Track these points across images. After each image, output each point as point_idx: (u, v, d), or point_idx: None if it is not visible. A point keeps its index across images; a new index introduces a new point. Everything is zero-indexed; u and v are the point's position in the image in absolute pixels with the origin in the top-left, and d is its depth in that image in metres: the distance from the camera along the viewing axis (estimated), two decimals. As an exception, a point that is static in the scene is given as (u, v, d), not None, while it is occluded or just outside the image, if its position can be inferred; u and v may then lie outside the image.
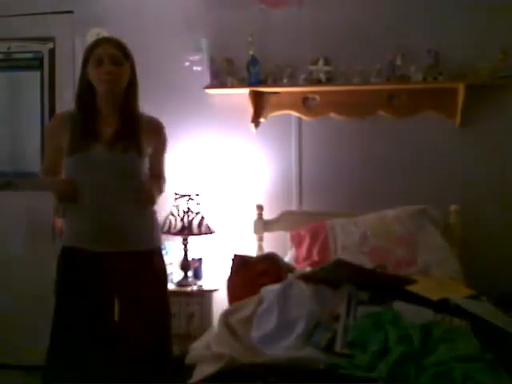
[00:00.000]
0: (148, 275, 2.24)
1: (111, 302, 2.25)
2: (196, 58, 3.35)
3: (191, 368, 1.81)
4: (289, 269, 2.52)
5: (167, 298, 2.35)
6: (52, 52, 3.49)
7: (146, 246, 2.25)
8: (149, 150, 2.27)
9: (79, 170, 2.18)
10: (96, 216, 2.17)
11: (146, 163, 2.28)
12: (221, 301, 2.88)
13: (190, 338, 2.67)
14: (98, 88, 2.17)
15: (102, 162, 2.15)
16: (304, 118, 3.30)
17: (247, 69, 3.18)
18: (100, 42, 2.20)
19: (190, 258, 3.22)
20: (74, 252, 2.21)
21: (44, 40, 3.49)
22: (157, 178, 2.34)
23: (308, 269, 2.55)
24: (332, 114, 3.27)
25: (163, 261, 2.35)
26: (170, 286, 2.93)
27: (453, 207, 3.06)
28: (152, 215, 2.31)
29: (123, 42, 2.22)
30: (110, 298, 2.24)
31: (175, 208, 3.14)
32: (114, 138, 2.17)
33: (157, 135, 2.30)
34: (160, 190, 2.35)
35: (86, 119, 2.18)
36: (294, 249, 3.09)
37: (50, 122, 2.33)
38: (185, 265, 3.19)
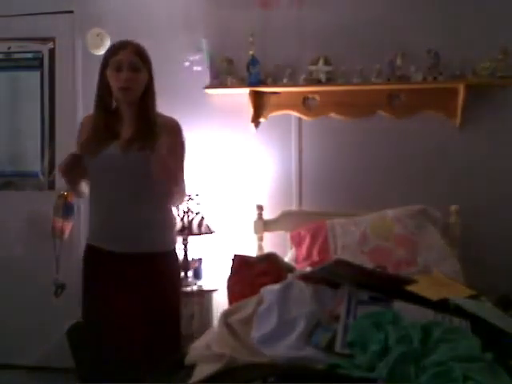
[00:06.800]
0: (160, 278, 2.25)
1: (124, 302, 2.24)
2: (196, 57, 3.36)
3: (191, 368, 1.81)
4: (289, 269, 2.52)
5: (179, 301, 2.36)
6: (52, 52, 3.50)
7: (160, 249, 2.26)
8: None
9: (97, 169, 2.21)
10: (110, 215, 2.21)
11: None
12: (221, 301, 2.88)
13: (190, 338, 2.66)
14: (117, 94, 2.20)
15: (115, 161, 2.17)
16: (304, 117, 3.30)
17: (247, 69, 3.18)
18: (120, 48, 2.20)
19: (189, 258, 3.22)
20: (93, 250, 2.27)
21: (44, 40, 3.50)
22: None
23: (308, 269, 2.55)
24: (332, 114, 3.28)
25: (177, 263, 2.37)
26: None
27: (453, 207, 3.06)
28: (168, 216, 2.32)
29: (142, 47, 2.24)
30: (123, 298, 2.23)
31: (175, 208, 3.14)
32: (130, 138, 2.19)
33: (169, 132, 2.25)
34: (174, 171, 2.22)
35: (104, 120, 2.22)
36: (294, 249, 3.09)
37: (80, 127, 2.37)
38: (185, 265, 3.19)
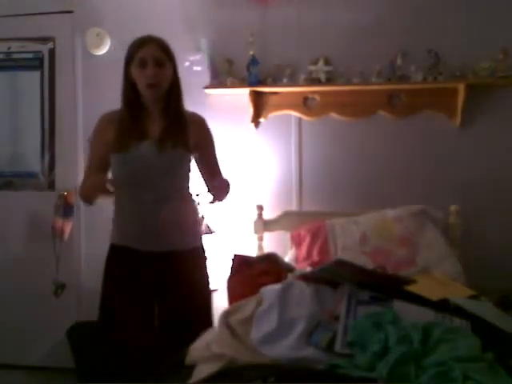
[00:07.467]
0: (190, 274, 2.27)
1: (152, 301, 2.24)
2: (196, 57, 3.36)
3: (191, 368, 1.81)
4: (289, 269, 2.52)
5: (210, 297, 2.39)
6: (52, 52, 3.49)
7: (192, 244, 2.29)
8: (193, 148, 2.28)
9: (126, 167, 2.17)
10: (144, 215, 2.18)
11: (191, 160, 2.31)
12: (221, 301, 2.88)
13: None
14: (143, 91, 2.17)
15: (150, 159, 2.15)
16: (304, 117, 3.30)
17: (247, 69, 3.18)
18: (143, 43, 2.16)
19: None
20: (121, 250, 2.24)
21: (44, 40, 3.49)
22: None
23: (308, 269, 2.55)
24: (332, 114, 3.28)
25: (205, 259, 2.38)
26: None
27: (453, 207, 3.06)
28: (194, 214, 2.36)
29: (165, 42, 2.20)
30: (152, 297, 2.23)
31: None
32: (162, 135, 2.18)
33: (199, 130, 2.30)
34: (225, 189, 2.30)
35: (132, 117, 2.18)
36: (293, 249, 3.09)
37: (97, 124, 2.30)
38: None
